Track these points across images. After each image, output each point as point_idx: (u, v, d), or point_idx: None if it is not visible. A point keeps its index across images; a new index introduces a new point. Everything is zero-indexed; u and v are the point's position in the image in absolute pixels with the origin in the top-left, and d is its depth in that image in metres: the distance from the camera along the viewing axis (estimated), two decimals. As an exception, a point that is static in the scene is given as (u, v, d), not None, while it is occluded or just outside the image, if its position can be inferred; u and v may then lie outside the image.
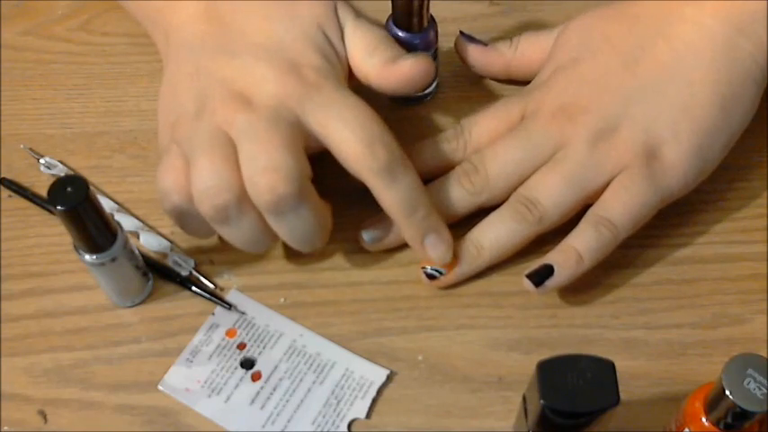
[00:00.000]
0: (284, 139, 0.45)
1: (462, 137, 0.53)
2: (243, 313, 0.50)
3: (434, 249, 0.49)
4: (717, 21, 0.49)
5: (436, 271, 0.50)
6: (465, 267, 0.50)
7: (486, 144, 0.52)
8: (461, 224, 0.51)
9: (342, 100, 0.47)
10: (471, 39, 0.57)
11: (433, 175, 0.52)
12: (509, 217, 0.49)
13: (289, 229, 0.47)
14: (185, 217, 0.48)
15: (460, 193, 0.50)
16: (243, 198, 0.45)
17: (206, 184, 0.45)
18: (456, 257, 0.50)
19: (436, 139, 0.53)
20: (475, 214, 0.51)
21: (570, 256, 0.48)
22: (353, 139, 0.46)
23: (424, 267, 0.50)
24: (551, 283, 0.48)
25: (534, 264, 0.49)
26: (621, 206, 0.48)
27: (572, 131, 0.49)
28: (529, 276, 0.48)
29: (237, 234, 0.47)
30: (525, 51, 0.56)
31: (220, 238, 0.52)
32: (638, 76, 0.50)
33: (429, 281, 0.50)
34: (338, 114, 0.46)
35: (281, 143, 0.45)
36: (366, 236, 0.51)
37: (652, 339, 0.49)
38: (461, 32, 0.57)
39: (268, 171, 0.44)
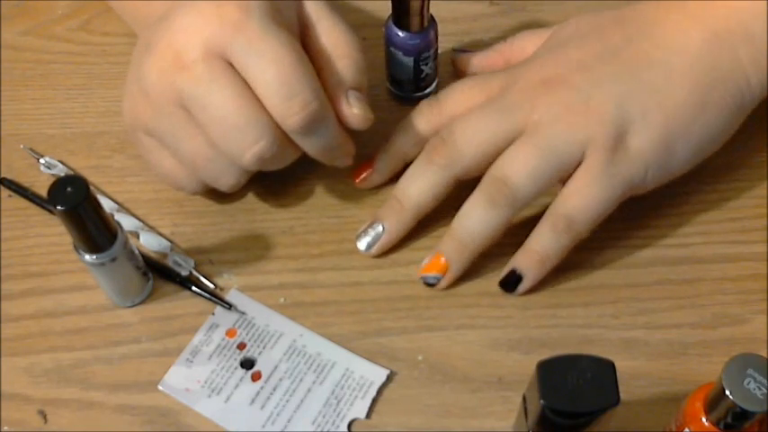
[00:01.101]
0: (226, 91, 0.44)
1: (437, 105, 0.52)
2: (243, 313, 0.50)
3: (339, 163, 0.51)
4: (708, 37, 0.49)
5: (434, 278, 0.50)
6: (455, 264, 0.50)
7: (461, 114, 0.51)
8: (447, 215, 0.51)
9: (262, 43, 0.44)
10: (467, 51, 0.58)
11: (411, 148, 0.52)
12: (482, 202, 0.48)
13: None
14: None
15: (432, 170, 0.50)
16: (218, 158, 0.47)
17: (197, 177, 0.49)
18: (444, 258, 0.50)
19: (413, 112, 0.53)
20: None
21: (533, 259, 0.49)
22: (270, 91, 0.44)
23: (422, 276, 0.50)
24: (522, 287, 0.49)
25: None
26: (580, 203, 0.48)
27: (545, 103, 0.49)
28: (501, 285, 0.50)
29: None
30: (523, 45, 0.56)
31: (219, 237, 0.53)
32: (620, 62, 0.49)
33: (430, 288, 0.50)
34: (257, 62, 0.44)
35: (225, 97, 0.44)
36: (360, 245, 0.52)
37: (652, 339, 0.49)
38: (455, 50, 0.58)
39: (225, 128, 0.45)
